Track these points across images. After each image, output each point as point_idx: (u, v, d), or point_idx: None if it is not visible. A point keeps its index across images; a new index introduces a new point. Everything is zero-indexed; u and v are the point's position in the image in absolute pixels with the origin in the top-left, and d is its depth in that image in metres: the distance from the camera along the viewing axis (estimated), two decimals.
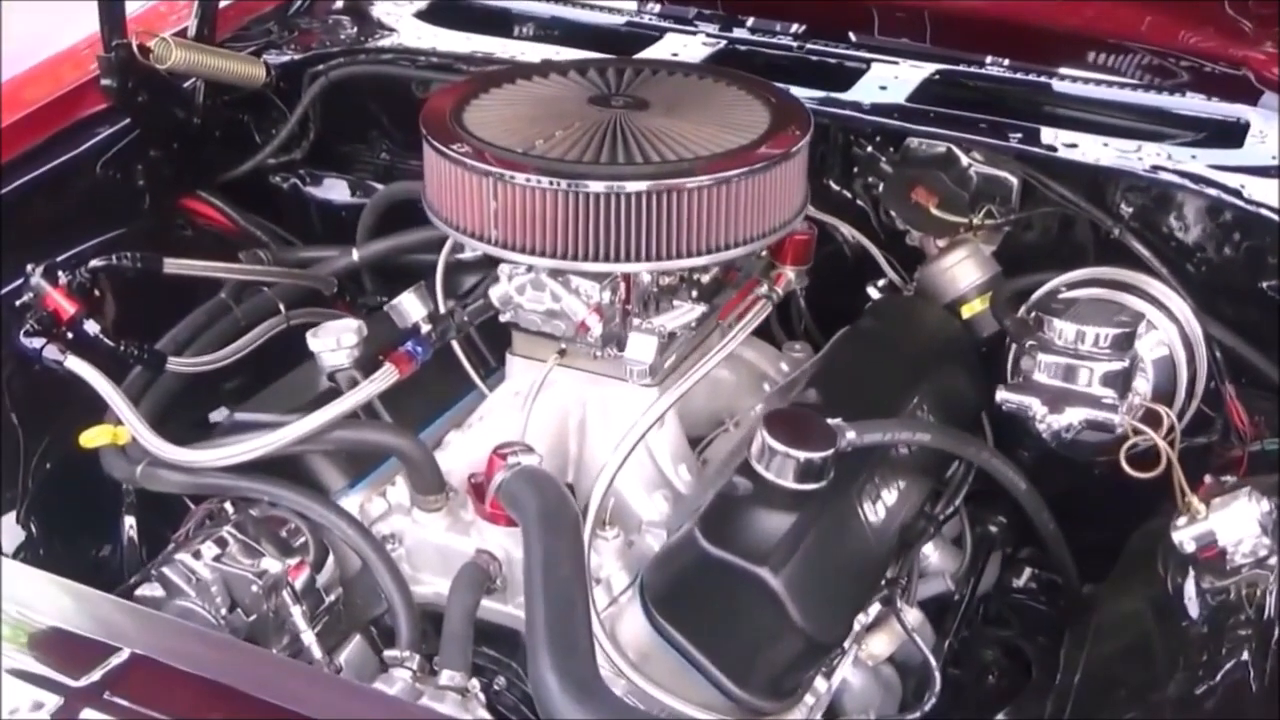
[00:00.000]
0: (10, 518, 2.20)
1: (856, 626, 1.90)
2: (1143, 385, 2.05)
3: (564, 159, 1.86)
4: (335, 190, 2.75)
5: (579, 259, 1.84)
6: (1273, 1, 1.92)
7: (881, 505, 1.92)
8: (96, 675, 1.41)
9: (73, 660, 1.44)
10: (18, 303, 2.10)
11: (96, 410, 2.01)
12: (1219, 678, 1.64)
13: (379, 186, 2.67)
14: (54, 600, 1.58)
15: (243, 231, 2.60)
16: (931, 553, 2.15)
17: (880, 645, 1.97)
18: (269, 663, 1.61)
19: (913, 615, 2.01)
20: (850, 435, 1.82)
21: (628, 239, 1.83)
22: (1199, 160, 2.21)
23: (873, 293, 2.36)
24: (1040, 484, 2.06)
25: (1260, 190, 2.15)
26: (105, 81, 2.37)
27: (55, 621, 1.54)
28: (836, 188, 2.42)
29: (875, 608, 1.95)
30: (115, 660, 1.44)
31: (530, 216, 1.83)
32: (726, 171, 1.85)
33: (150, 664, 1.46)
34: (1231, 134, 2.30)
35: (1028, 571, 2.40)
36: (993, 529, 2.25)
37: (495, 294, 1.95)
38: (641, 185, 1.81)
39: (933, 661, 1.94)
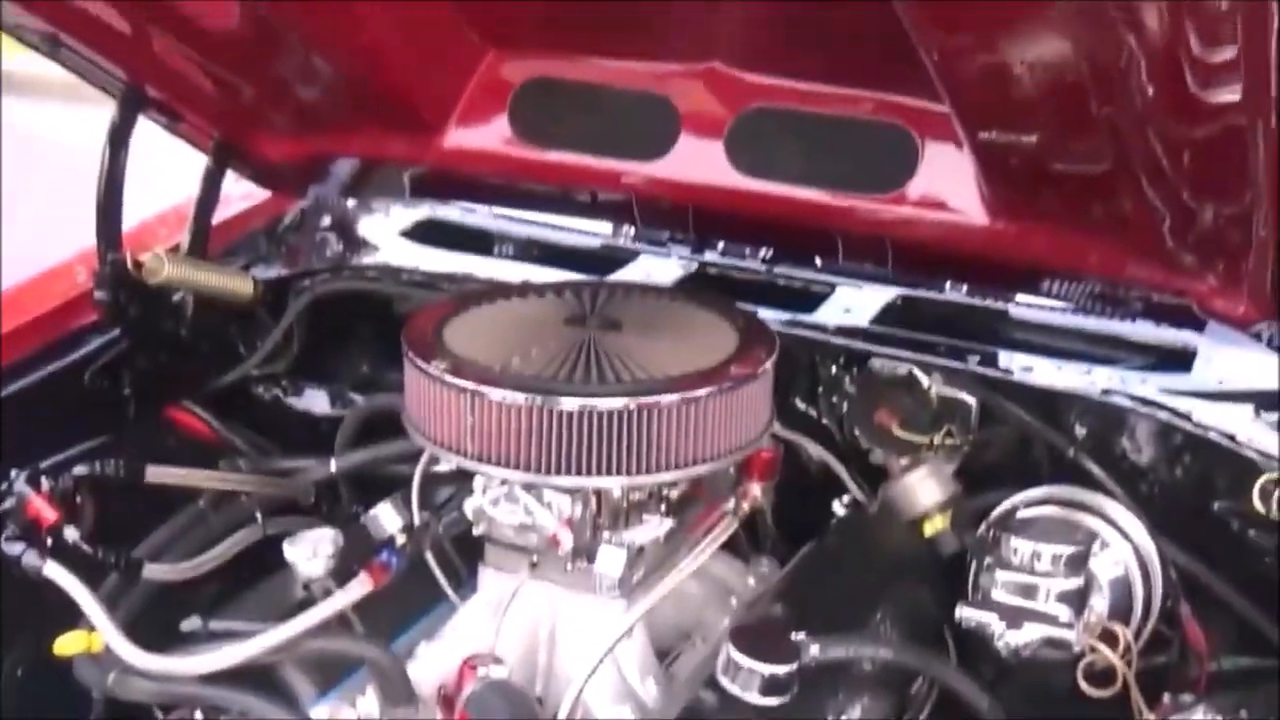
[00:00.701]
0: None
1: None
2: (1100, 604, 2.10)
3: (539, 376, 1.93)
4: (316, 401, 2.82)
5: (551, 473, 1.90)
6: (1211, 238, 2.02)
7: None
8: None
9: None
10: (0, 508, 2.14)
11: (72, 616, 2.04)
12: None
13: (359, 398, 2.74)
14: None
15: (224, 441, 2.66)
16: None
17: None
18: None
19: None
20: (814, 650, 1.86)
21: (599, 455, 1.89)
22: (1149, 384, 2.30)
23: (838, 509, 2.41)
24: (1003, 701, 2.09)
25: (1208, 414, 2.24)
26: (99, 295, 2.46)
27: None
28: (803, 406, 2.49)
29: None
30: None
31: (505, 431, 1.90)
32: (695, 391, 1.93)
33: None
34: (1180, 359, 2.39)
35: None
36: None
37: (469, 507, 2.01)
38: (613, 403, 1.88)
39: None
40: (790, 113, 2.32)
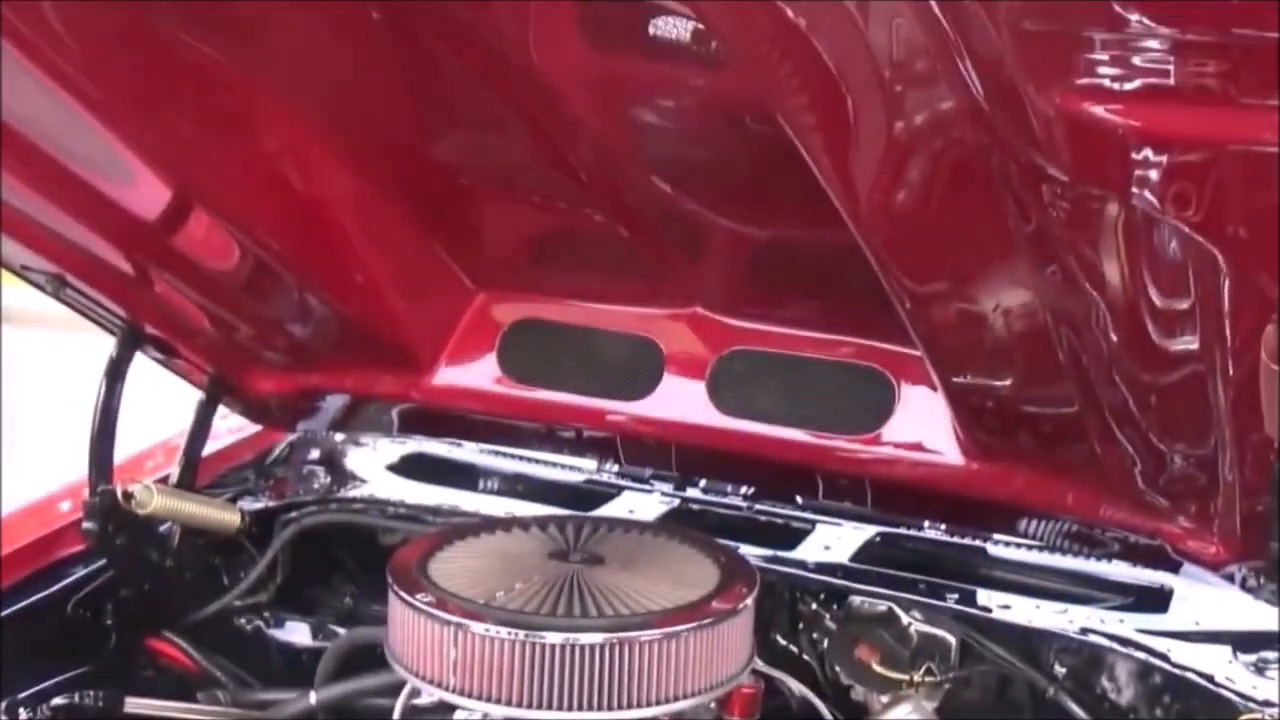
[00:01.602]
0: None
1: None
2: None
3: (522, 610, 1.96)
4: (297, 633, 2.80)
5: (534, 708, 1.91)
6: (1181, 481, 2.08)
7: None
8: None
9: None
10: None
11: None
12: None
13: (341, 630, 2.74)
14: None
15: (204, 672, 2.64)
16: None
17: None
18: None
19: None
20: None
21: (582, 689, 1.91)
22: (1126, 624, 2.33)
23: None
24: None
25: (1186, 655, 2.26)
26: (87, 525, 2.48)
27: None
28: (783, 643, 2.50)
29: None
30: None
31: (488, 665, 1.91)
32: (677, 626, 1.95)
33: None
34: (1156, 599, 2.42)
35: None
36: None
37: None
38: (596, 638, 1.91)
39: None
40: (770, 355, 2.40)
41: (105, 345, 2.51)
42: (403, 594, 2.01)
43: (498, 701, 1.92)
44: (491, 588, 2.02)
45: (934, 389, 2.26)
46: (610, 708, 1.92)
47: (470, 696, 1.93)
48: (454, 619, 1.94)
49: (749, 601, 2.07)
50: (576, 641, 1.90)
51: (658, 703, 1.95)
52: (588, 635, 1.91)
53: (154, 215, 2.32)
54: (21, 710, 2.15)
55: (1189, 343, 1.78)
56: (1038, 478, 2.25)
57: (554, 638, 1.90)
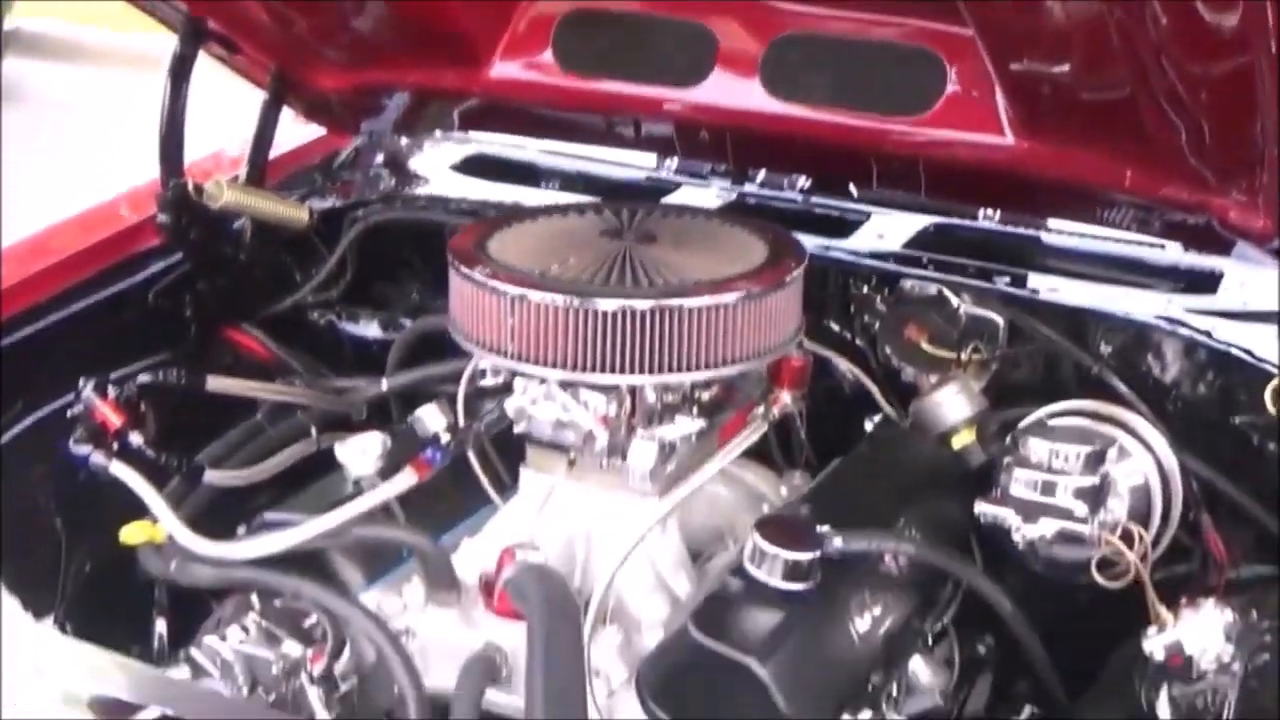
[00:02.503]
0: None
1: None
2: (1118, 508, 2.16)
3: (577, 280, 2.03)
4: (368, 327, 2.92)
5: (587, 372, 2.00)
6: (1228, 156, 2.08)
7: (868, 614, 2.02)
8: None
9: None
10: (69, 414, 2.26)
11: (133, 518, 2.16)
12: None
13: (408, 323, 2.84)
14: (96, 667, 1.73)
15: (280, 362, 2.77)
16: (921, 669, 2.23)
17: None
18: None
19: None
20: (837, 542, 1.95)
21: (633, 354, 1.99)
22: (1174, 304, 2.37)
23: (869, 428, 2.49)
24: (1026, 612, 2.16)
25: (1231, 333, 2.30)
26: (162, 218, 2.57)
27: (95, 685, 1.68)
28: (836, 328, 2.57)
29: (865, 715, 2.04)
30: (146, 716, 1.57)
31: (544, 332, 2.00)
32: (725, 294, 2.02)
33: None
34: (1206, 282, 2.45)
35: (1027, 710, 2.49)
36: (981, 649, 2.34)
37: (510, 405, 2.11)
38: (646, 304, 1.98)
39: None
40: (821, 39, 2.39)
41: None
42: (463, 269, 2.08)
43: (553, 366, 2.01)
44: (547, 262, 2.09)
45: (986, 71, 2.26)
46: (660, 371, 2.00)
47: (527, 362, 2.02)
48: (511, 289, 2.01)
49: (796, 274, 2.12)
50: (629, 308, 1.98)
51: (706, 367, 2.03)
52: (640, 301, 1.98)
53: None
54: (109, 388, 2.26)
55: (1233, 20, 1.76)
56: (1091, 157, 2.25)
57: (606, 304, 1.98)
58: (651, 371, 2.00)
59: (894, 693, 2.12)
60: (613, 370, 2.00)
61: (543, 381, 2.07)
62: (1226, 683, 1.85)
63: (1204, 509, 2.24)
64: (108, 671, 1.72)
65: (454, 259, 2.12)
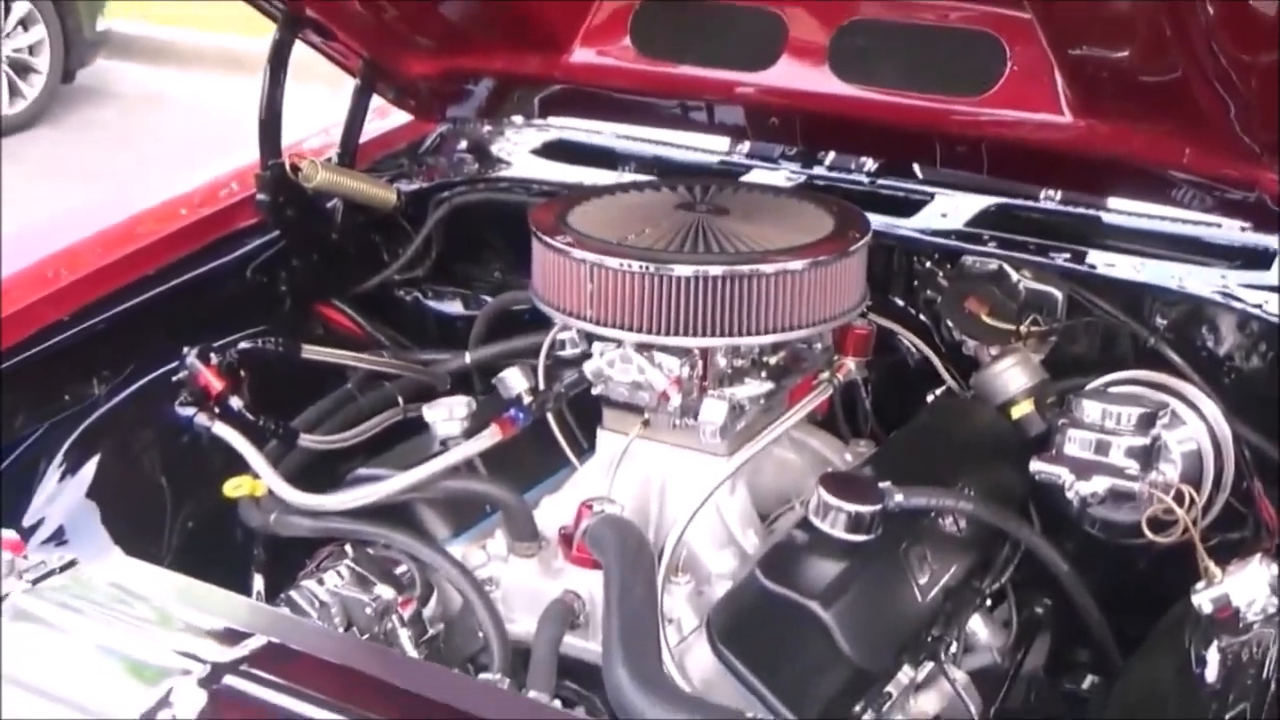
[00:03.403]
0: None
1: (905, 680, 2.09)
2: (1170, 471, 2.24)
3: (653, 248, 2.15)
4: (451, 304, 3.05)
5: (662, 335, 2.12)
6: (1276, 131, 2.16)
7: (928, 568, 2.12)
8: (239, 653, 1.68)
9: (222, 644, 1.70)
10: (174, 379, 2.41)
11: (232, 477, 2.30)
12: None
13: (490, 300, 2.97)
14: (204, 599, 1.87)
15: (368, 337, 2.90)
16: (980, 628, 2.33)
17: (930, 702, 2.14)
18: (381, 653, 1.88)
19: (960, 676, 2.19)
20: (898, 497, 2.05)
21: (706, 318, 2.11)
22: (1229, 279, 2.44)
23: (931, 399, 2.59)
24: (1081, 577, 2.25)
25: None
26: (260, 196, 2.72)
27: (203, 614, 1.82)
28: (900, 303, 2.67)
29: (926, 667, 2.14)
30: (254, 644, 1.71)
31: (621, 297, 2.12)
32: (794, 262, 2.13)
33: (281, 649, 1.73)
34: (1260, 259, 2.53)
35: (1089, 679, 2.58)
36: (1039, 610, 2.43)
37: (589, 368, 2.23)
38: (719, 270, 2.10)
39: (973, 712, 2.12)
40: (886, 24, 2.50)
41: None
42: (545, 238, 2.21)
43: (630, 329, 2.13)
44: (624, 231, 2.22)
45: (1045, 54, 2.36)
46: (731, 334, 2.12)
47: (605, 325, 2.15)
48: (591, 256, 2.14)
49: (861, 244, 2.23)
50: (702, 273, 2.10)
51: (774, 331, 2.14)
52: (713, 268, 2.10)
53: None
54: (212, 355, 2.40)
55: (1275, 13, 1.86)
56: (1147, 135, 2.34)
57: (681, 270, 2.10)
58: (723, 335, 2.12)
59: (954, 648, 2.22)
60: (686, 334, 2.12)
61: (619, 345, 2.18)
62: (1270, 634, 1.93)
63: (1256, 476, 2.32)
64: (221, 604, 1.86)
65: (537, 228, 2.25)
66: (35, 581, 1.80)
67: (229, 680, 1.64)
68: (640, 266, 2.11)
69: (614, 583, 1.91)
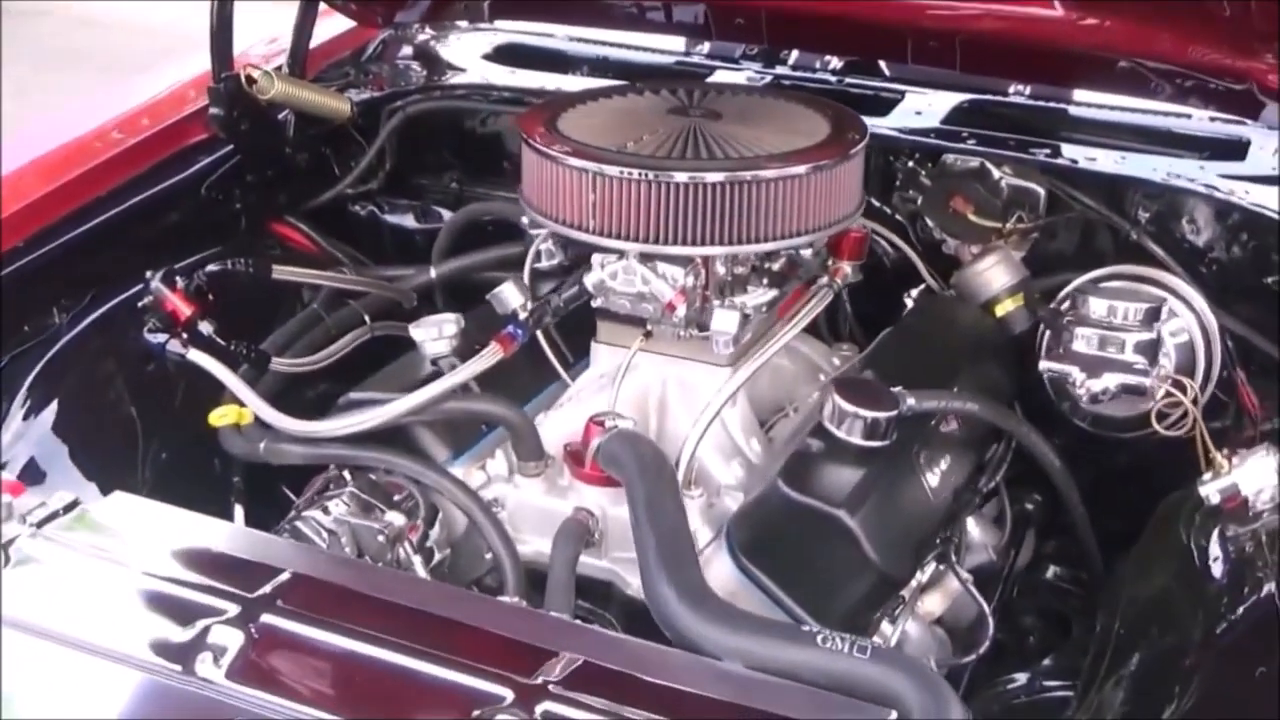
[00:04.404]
0: None
1: (914, 584, 2.09)
2: (1167, 365, 2.27)
3: (653, 155, 2.09)
4: (407, 217, 2.97)
5: (665, 243, 2.07)
6: (1270, 18, 2.15)
7: (936, 470, 2.12)
8: (268, 589, 1.62)
9: (247, 579, 1.64)
10: (139, 304, 2.30)
11: (202, 406, 2.21)
12: (1240, 614, 1.79)
13: (447, 214, 2.89)
14: (222, 536, 1.81)
15: (325, 254, 2.81)
16: (973, 527, 2.34)
17: (935, 602, 2.16)
18: (411, 580, 1.83)
19: (966, 576, 2.20)
20: (910, 401, 2.04)
21: (708, 225, 2.06)
22: (1207, 170, 2.46)
23: (909, 302, 2.57)
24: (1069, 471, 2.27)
25: (1262, 196, 2.39)
26: (214, 110, 2.60)
27: (220, 549, 1.75)
28: (877, 204, 2.64)
29: (930, 568, 2.14)
30: (281, 578, 1.65)
31: (623, 205, 2.06)
32: (794, 167, 2.09)
33: (309, 580, 1.67)
34: (1235, 150, 2.55)
35: (1051, 569, 2.61)
36: (1029, 506, 2.46)
37: (590, 280, 2.16)
38: (719, 176, 2.05)
39: (986, 608, 2.13)
40: None
41: None
42: (540, 146, 2.14)
43: (632, 239, 2.08)
44: (620, 139, 2.15)
45: None
46: (734, 242, 2.08)
47: (607, 236, 2.09)
48: (590, 165, 2.07)
49: (859, 148, 2.19)
50: (702, 180, 2.05)
51: (777, 238, 2.11)
52: (713, 174, 2.05)
53: None
54: (177, 278, 2.29)
55: None
56: (1129, 24, 2.32)
57: (682, 176, 2.04)
58: (729, 243, 2.07)
59: (957, 543, 2.23)
60: (691, 243, 2.07)
61: (621, 256, 2.13)
62: (1275, 522, 1.95)
63: (1238, 365, 2.35)
64: (237, 539, 1.80)
65: (528, 137, 2.17)
66: (40, 525, 1.72)
67: (266, 618, 1.59)
68: (640, 174, 2.05)
69: (640, 500, 1.87)
